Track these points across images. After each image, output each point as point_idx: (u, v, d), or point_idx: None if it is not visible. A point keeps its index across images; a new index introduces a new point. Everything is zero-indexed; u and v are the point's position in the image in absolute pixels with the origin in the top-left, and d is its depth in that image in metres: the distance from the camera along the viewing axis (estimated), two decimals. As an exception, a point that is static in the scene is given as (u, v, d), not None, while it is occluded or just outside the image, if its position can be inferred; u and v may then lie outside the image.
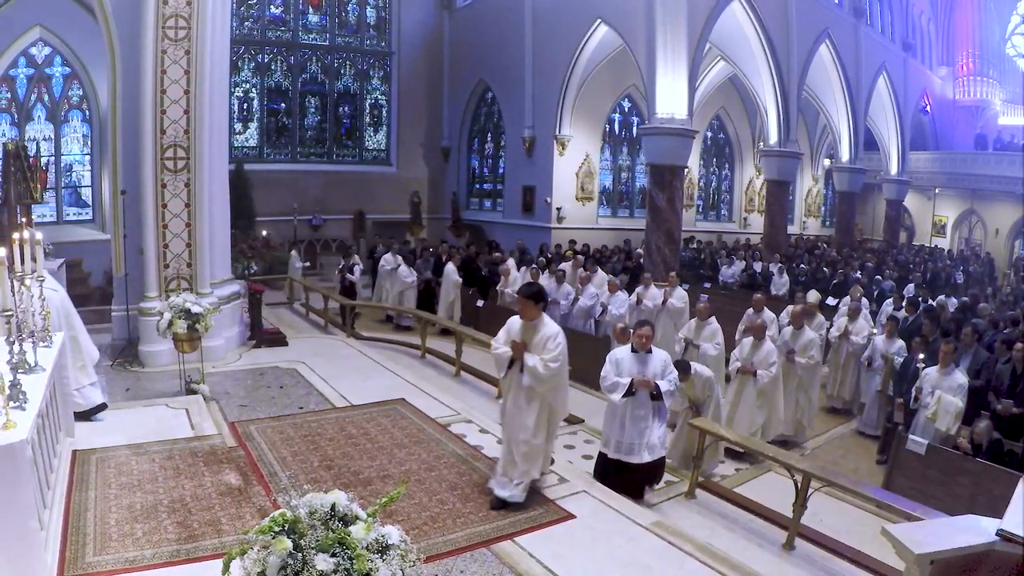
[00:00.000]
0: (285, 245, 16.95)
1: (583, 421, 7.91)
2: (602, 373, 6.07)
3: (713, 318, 8.79)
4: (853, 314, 9.81)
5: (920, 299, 11.67)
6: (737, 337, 8.95)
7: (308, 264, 15.40)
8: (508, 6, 19.05)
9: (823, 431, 8.93)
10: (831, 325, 10.13)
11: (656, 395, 5.91)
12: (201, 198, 9.04)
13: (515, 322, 5.33)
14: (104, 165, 13.95)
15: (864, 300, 11.14)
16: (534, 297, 5.24)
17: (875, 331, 9.66)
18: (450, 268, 13.29)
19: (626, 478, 5.95)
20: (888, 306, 11.22)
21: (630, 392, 5.86)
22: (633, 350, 6.11)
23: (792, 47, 17.53)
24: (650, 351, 6.10)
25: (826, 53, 19.38)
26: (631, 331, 8.32)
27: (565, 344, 5.19)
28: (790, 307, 9.62)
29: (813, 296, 10.08)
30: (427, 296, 13.55)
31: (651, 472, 6.08)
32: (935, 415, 6.95)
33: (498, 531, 4.90)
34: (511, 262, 13.40)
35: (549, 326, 5.23)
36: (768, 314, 9.50)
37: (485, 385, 9.05)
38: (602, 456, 6.23)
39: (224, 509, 4.99)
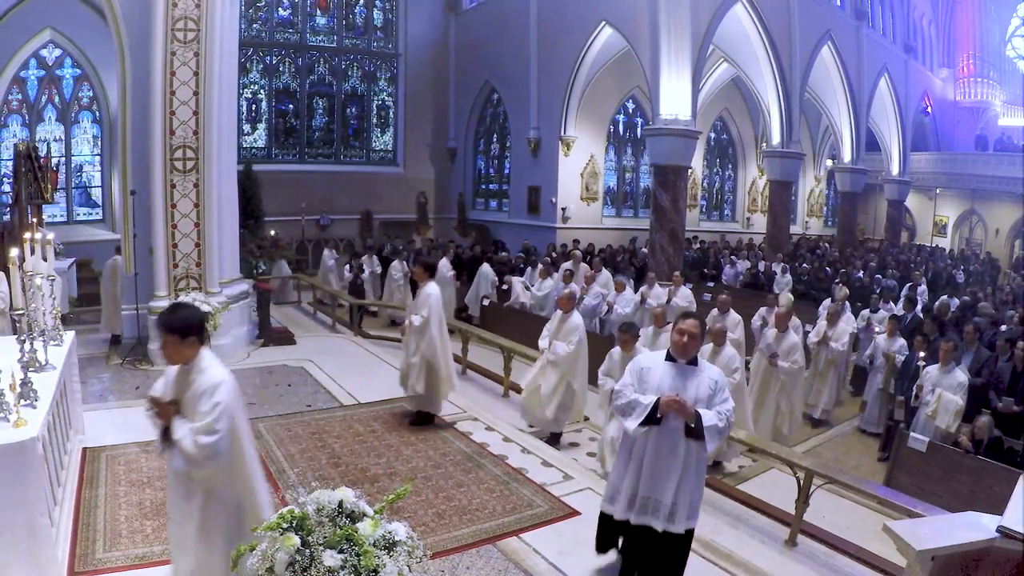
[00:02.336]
0: (293, 244, 16.95)
1: (587, 419, 7.92)
2: (616, 387, 3.98)
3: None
4: (832, 318, 9.18)
5: (911, 298, 11.51)
6: None
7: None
8: (513, 9, 19.08)
9: (810, 436, 8.82)
10: (810, 330, 9.56)
11: (694, 430, 3.72)
12: (210, 198, 9.13)
13: (174, 368, 3.28)
14: (114, 165, 14.04)
15: (846, 304, 10.56)
16: (178, 330, 3.14)
17: (878, 330, 9.56)
18: (485, 268, 13.34)
19: (642, 552, 3.99)
20: (878, 308, 10.73)
21: (653, 419, 3.74)
22: (669, 358, 3.92)
23: (794, 49, 17.54)
24: (695, 362, 3.90)
25: (828, 55, 19.38)
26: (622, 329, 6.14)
27: (231, 401, 3.13)
28: (776, 309, 8.89)
29: (785, 298, 9.91)
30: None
31: (678, 549, 4.00)
32: (935, 413, 6.99)
33: (504, 528, 4.95)
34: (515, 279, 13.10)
35: (208, 374, 3.16)
36: (733, 316, 8.92)
37: (491, 383, 9.10)
38: (604, 520, 4.23)
39: (233, 505, 5.06)
